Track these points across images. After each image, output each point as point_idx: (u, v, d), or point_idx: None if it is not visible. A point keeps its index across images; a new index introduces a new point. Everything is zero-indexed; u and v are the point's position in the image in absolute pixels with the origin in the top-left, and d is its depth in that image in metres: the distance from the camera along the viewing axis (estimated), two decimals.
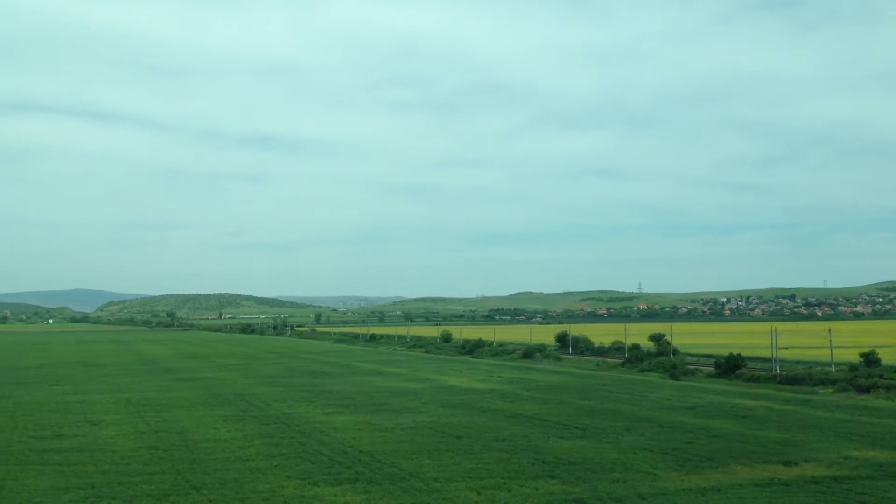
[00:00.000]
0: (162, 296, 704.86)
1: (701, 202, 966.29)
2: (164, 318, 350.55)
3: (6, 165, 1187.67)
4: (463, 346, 56.23)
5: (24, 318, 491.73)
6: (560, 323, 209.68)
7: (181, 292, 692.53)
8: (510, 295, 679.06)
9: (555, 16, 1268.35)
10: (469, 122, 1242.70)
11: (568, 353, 50.96)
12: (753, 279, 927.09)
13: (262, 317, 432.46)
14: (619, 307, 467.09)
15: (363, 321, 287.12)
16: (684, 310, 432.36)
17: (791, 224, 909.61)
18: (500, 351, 52.01)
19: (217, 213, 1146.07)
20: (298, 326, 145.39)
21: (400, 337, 74.64)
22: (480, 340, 54.66)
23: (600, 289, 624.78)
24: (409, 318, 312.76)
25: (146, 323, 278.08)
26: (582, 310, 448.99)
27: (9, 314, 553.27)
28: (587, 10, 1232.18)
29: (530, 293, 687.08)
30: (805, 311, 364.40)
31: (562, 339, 56.04)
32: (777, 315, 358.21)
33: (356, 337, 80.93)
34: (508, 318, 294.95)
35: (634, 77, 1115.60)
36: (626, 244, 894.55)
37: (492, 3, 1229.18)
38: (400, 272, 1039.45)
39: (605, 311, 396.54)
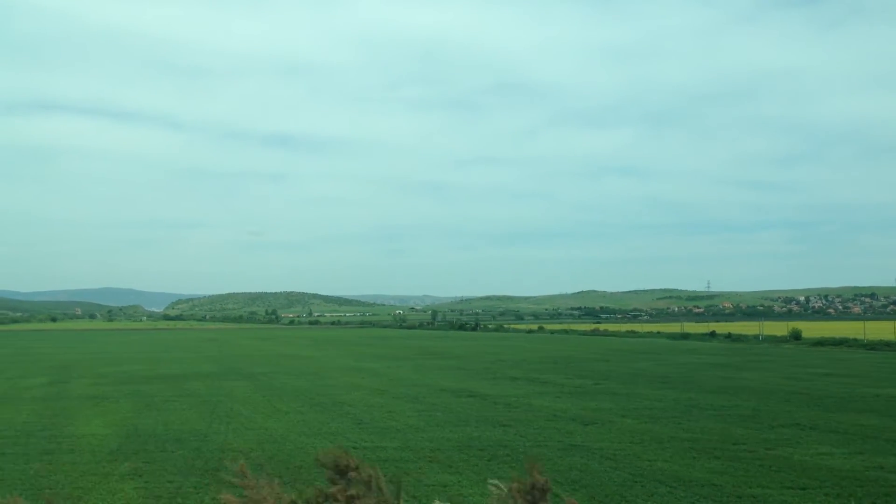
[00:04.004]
0: (230, 294, 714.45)
1: (722, 199, 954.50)
2: (264, 315, 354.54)
3: (29, 165, 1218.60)
4: (888, 344, 54.76)
5: (98, 316, 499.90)
6: (661, 322, 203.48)
7: (211, 292, 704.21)
8: (574, 293, 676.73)
9: (575, 14, 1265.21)
10: (489, 121, 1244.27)
11: None
12: (812, 277, 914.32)
13: (347, 315, 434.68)
14: (703, 306, 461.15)
15: (456, 322, 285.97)
16: (779, 309, 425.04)
17: (818, 222, 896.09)
18: None
19: (239, 212, 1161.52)
20: (487, 323, 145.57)
21: (747, 336, 73.14)
22: None
23: (663, 287, 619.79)
24: (518, 317, 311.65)
25: (264, 321, 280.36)
26: (669, 308, 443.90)
27: (80, 312, 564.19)
28: (608, 7, 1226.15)
29: (594, 291, 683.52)
30: None
31: None
32: (879, 313, 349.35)
33: (675, 336, 79.46)
34: (619, 317, 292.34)
35: (655, 74, 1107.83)
36: (651, 242, 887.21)
37: (512, 2, 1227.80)
38: (423, 270, 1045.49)
39: (701, 310, 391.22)
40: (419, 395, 29.76)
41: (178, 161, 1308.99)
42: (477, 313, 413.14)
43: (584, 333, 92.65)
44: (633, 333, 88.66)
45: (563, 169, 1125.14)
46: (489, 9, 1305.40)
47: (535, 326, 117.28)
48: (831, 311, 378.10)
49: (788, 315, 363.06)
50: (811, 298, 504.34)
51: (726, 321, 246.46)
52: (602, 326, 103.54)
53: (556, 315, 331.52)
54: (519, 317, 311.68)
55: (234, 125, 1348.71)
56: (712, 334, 74.82)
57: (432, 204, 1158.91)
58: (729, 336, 72.22)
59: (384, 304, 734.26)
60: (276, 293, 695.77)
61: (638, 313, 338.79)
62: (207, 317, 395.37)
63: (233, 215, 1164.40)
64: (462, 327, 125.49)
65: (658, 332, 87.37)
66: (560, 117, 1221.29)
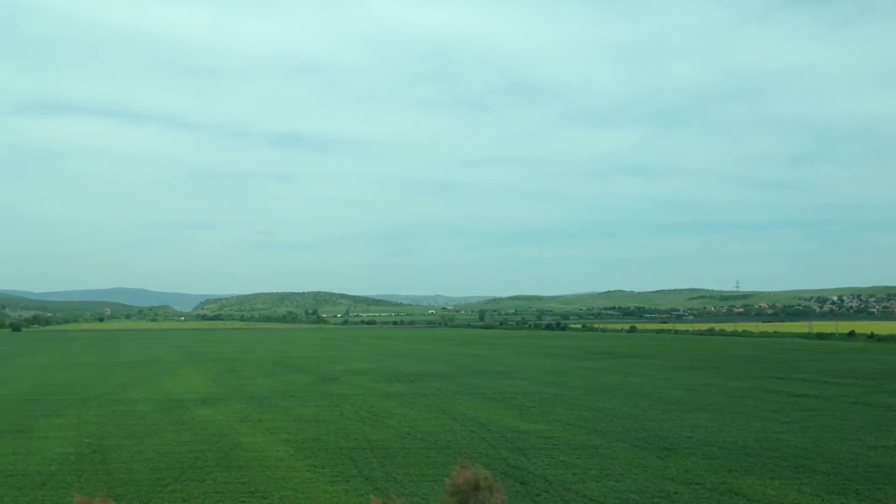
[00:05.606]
0: (257, 294, 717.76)
1: (733, 198, 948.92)
2: (305, 315, 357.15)
3: (39, 166, 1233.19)
4: None
5: (133, 316, 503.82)
6: (704, 321, 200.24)
7: (222, 291, 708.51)
8: (602, 292, 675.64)
9: (584, 13, 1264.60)
10: (498, 120, 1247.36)
11: None
12: (835, 276, 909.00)
13: (381, 314, 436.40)
14: (738, 305, 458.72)
15: (530, 321, 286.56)
16: (817, 308, 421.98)
17: (832, 220, 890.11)
18: None
19: (248, 213, 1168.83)
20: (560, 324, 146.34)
21: (887, 336, 73.16)
22: None
23: (688, 287, 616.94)
24: (564, 317, 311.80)
25: (307, 321, 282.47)
26: (705, 307, 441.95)
27: (109, 312, 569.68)
28: (617, 7, 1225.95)
29: (621, 291, 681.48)
30: None
31: None
32: None
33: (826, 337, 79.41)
34: (664, 316, 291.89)
35: (665, 73, 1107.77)
36: (665, 241, 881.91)
37: (521, 2, 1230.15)
38: (432, 270, 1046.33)
39: (742, 310, 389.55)
40: (741, 394, 30.41)
41: (188, 162, 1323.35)
42: (510, 312, 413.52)
43: (699, 333, 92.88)
44: (748, 333, 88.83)
45: (573, 168, 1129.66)
46: (498, 8, 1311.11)
47: (627, 325, 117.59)
48: (873, 310, 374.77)
49: (832, 315, 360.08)
50: (845, 298, 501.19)
51: (771, 321, 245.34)
52: (718, 326, 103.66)
53: (597, 315, 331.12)
54: (564, 316, 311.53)
55: (243, 125, 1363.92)
56: (851, 334, 75.05)
57: (441, 203, 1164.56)
58: (872, 336, 72.34)
59: (410, 304, 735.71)
60: (303, 293, 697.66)
61: (677, 313, 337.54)
62: (245, 316, 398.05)
63: (242, 216, 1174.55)
64: (549, 327, 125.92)
65: (775, 332, 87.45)
66: (569, 117, 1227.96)
